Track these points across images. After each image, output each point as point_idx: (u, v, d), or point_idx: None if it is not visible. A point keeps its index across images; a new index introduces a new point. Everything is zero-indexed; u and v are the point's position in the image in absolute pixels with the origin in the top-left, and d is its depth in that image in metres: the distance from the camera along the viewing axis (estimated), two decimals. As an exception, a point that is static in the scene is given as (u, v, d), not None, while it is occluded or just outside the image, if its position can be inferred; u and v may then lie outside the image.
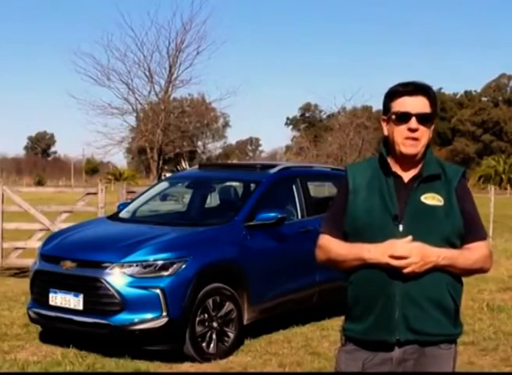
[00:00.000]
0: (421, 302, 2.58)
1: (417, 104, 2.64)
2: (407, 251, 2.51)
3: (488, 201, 16.24)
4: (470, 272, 2.70)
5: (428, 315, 2.59)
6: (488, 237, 15.03)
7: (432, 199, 2.63)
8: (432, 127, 2.70)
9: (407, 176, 2.68)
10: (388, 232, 2.57)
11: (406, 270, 2.52)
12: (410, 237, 2.54)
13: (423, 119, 2.64)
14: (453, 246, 2.62)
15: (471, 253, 2.65)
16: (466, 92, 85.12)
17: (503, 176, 65.45)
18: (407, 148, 2.63)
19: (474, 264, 2.66)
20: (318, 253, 2.78)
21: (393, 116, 2.66)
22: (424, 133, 2.65)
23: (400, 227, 2.59)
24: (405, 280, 2.56)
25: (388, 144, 2.72)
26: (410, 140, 2.63)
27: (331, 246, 2.72)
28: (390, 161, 2.70)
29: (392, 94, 2.69)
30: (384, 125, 2.73)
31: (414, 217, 2.60)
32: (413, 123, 2.62)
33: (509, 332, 7.39)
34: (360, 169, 2.77)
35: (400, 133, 2.64)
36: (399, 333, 2.59)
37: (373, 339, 2.64)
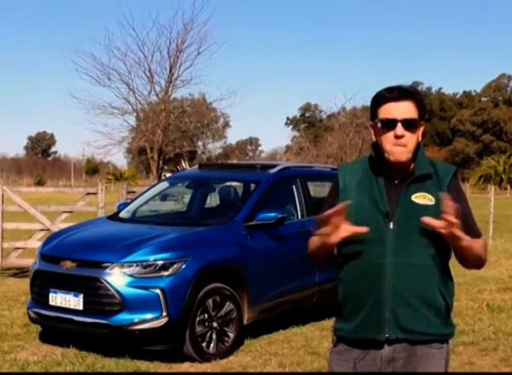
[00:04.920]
0: (411, 301, 2.59)
1: (402, 109, 2.62)
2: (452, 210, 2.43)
3: (488, 202, 16.23)
4: (476, 260, 2.67)
5: (418, 313, 2.59)
6: (488, 238, 15.12)
7: (422, 198, 2.63)
8: (422, 129, 2.70)
9: (397, 176, 2.68)
10: (378, 229, 2.58)
11: (446, 229, 2.44)
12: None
13: (409, 124, 2.62)
14: (444, 245, 2.61)
15: (478, 243, 2.65)
16: (466, 92, 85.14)
17: (503, 176, 65.43)
18: (394, 155, 2.62)
19: (481, 251, 2.66)
20: (308, 253, 2.81)
21: (379, 124, 2.66)
22: (411, 139, 2.64)
23: (391, 225, 2.60)
24: (395, 278, 2.57)
25: (377, 148, 2.72)
26: (398, 146, 2.62)
27: (312, 243, 2.76)
28: (381, 162, 2.71)
29: (378, 99, 2.68)
30: (372, 131, 2.73)
31: (405, 216, 2.60)
32: (399, 129, 2.61)
33: (509, 332, 7.38)
34: (351, 169, 2.78)
35: (387, 140, 2.63)
36: (388, 332, 2.60)
37: (363, 337, 2.64)
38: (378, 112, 2.67)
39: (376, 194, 2.65)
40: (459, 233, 2.49)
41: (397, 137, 2.61)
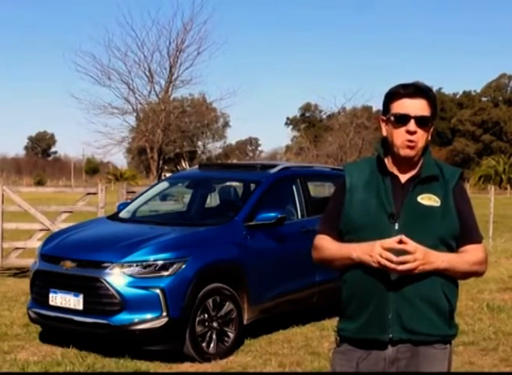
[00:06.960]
0: (416, 302, 2.58)
1: (416, 106, 2.63)
2: (413, 248, 2.48)
3: (488, 202, 16.23)
4: (466, 275, 2.70)
5: (422, 314, 2.59)
6: (488, 238, 15.12)
7: (428, 200, 2.63)
8: (431, 129, 2.70)
9: (404, 176, 2.68)
10: (383, 230, 2.57)
11: (403, 267, 2.48)
12: (399, 237, 2.50)
13: (421, 122, 2.63)
14: (448, 247, 2.62)
15: (469, 256, 2.65)
16: (466, 92, 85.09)
17: (503, 176, 65.45)
18: (404, 150, 2.63)
19: (471, 267, 2.66)
20: (313, 253, 2.80)
21: (392, 118, 2.66)
22: (422, 136, 2.65)
23: (396, 226, 2.59)
24: (399, 279, 2.56)
25: (386, 144, 2.72)
26: (408, 142, 2.63)
27: (324, 245, 2.73)
28: (388, 161, 2.71)
29: (393, 95, 2.69)
30: (383, 125, 2.73)
31: (411, 217, 2.60)
32: (411, 125, 2.62)
33: (509, 332, 7.38)
34: (358, 168, 2.77)
35: (398, 135, 2.64)
36: (392, 332, 2.59)
37: (366, 337, 2.64)
38: (391, 106, 2.67)
39: (382, 195, 2.65)
40: (427, 267, 2.52)
41: (409, 132, 2.62)
